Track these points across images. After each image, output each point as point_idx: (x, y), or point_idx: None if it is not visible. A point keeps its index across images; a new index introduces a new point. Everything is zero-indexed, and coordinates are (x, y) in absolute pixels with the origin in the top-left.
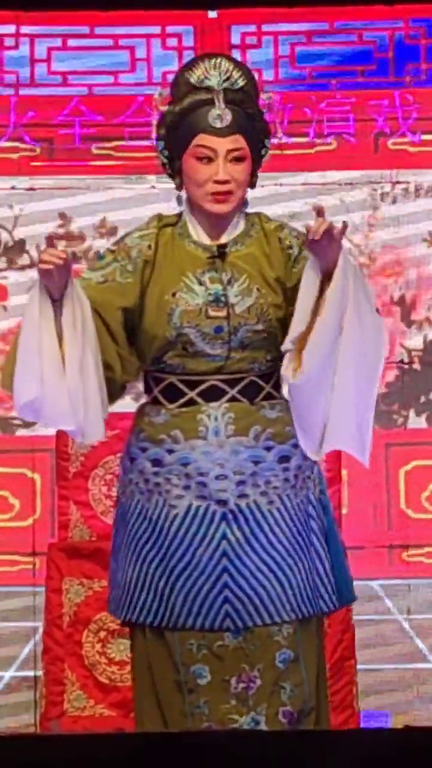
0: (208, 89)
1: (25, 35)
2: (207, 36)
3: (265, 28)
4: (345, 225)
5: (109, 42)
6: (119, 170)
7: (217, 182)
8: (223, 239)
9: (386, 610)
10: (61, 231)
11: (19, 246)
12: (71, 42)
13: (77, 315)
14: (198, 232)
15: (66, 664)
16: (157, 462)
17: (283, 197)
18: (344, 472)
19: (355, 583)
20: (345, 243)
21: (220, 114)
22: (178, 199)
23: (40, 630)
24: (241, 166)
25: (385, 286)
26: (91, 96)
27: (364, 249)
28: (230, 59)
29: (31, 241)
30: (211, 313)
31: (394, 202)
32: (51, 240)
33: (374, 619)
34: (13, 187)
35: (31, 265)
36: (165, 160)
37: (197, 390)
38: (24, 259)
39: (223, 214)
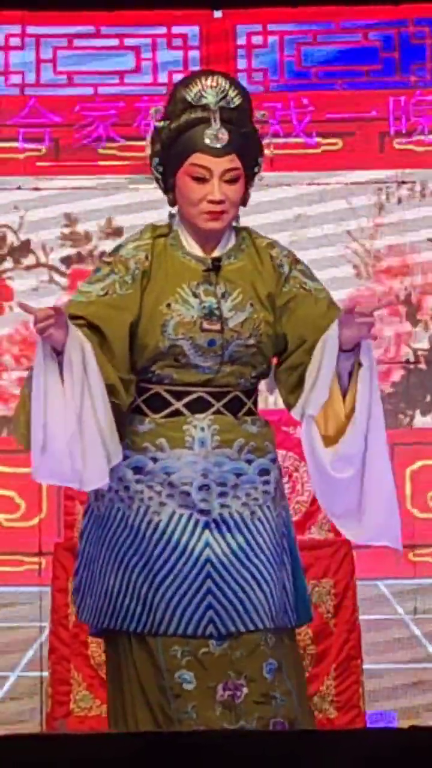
0: (205, 107)
1: (31, 35)
2: (212, 36)
3: (270, 27)
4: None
5: (115, 42)
6: (125, 170)
7: (211, 202)
8: (216, 252)
9: (392, 610)
10: (66, 231)
11: (25, 246)
12: (77, 42)
13: (77, 360)
14: (190, 244)
15: (72, 664)
16: (138, 469)
17: (288, 197)
18: None
19: (361, 583)
20: (349, 250)
21: (216, 134)
22: (171, 216)
23: (47, 630)
24: (235, 186)
25: (390, 286)
26: (97, 96)
27: (369, 249)
28: (227, 77)
29: (36, 241)
30: (206, 326)
31: (399, 201)
32: (25, 307)
33: (380, 619)
34: (18, 188)
35: (37, 266)
36: (158, 176)
37: (184, 401)
38: (29, 260)
39: (215, 231)
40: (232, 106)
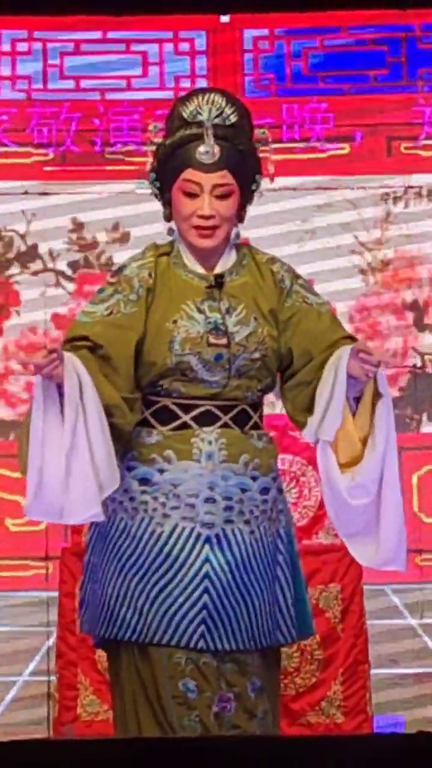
0: (199, 124)
1: (38, 40)
2: (219, 41)
3: (277, 32)
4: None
5: (122, 47)
6: (132, 176)
7: (201, 217)
8: (218, 269)
9: (399, 614)
10: (73, 236)
11: (32, 251)
12: (84, 48)
13: (73, 391)
14: (192, 262)
15: (79, 668)
16: (145, 481)
17: (295, 203)
18: None
19: (368, 587)
20: (357, 256)
21: (208, 150)
22: (169, 231)
23: (54, 635)
24: (226, 202)
25: (397, 290)
26: (104, 100)
27: (376, 253)
28: (225, 95)
29: (43, 246)
30: (212, 340)
31: (406, 206)
32: (23, 360)
33: (387, 623)
34: (25, 193)
35: (44, 270)
36: (156, 191)
37: (191, 414)
38: (36, 265)
39: (208, 249)
40: (228, 123)
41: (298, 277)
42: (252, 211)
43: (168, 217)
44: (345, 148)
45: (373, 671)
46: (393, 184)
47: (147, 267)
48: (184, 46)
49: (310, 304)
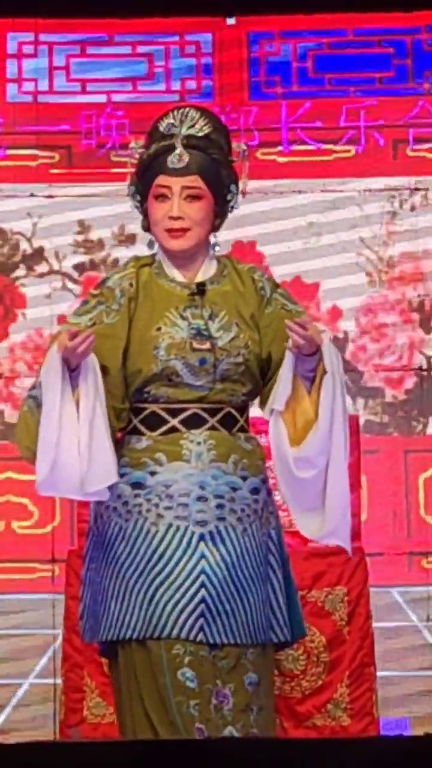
0: (173, 136)
1: (44, 43)
2: (225, 43)
3: (283, 34)
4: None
5: (128, 49)
6: None
7: (170, 218)
8: (199, 278)
9: (406, 617)
10: (79, 238)
11: (38, 253)
12: (90, 50)
13: (92, 383)
14: (173, 272)
15: (85, 671)
16: (138, 485)
17: (301, 204)
18: (363, 479)
19: (374, 590)
20: (362, 257)
21: (178, 156)
22: (150, 243)
23: (60, 637)
24: (196, 204)
25: (403, 293)
26: (110, 102)
27: (382, 256)
28: (201, 110)
29: (49, 248)
30: (196, 345)
31: (412, 209)
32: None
33: (394, 626)
34: (31, 195)
35: (50, 273)
36: (137, 204)
37: (179, 418)
38: (42, 267)
39: (180, 252)
40: (201, 134)
41: (277, 286)
42: (258, 212)
43: (147, 228)
44: (351, 150)
45: (378, 673)
46: (399, 185)
47: (128, 277)
48: (190, 48)
49: (289, 311)
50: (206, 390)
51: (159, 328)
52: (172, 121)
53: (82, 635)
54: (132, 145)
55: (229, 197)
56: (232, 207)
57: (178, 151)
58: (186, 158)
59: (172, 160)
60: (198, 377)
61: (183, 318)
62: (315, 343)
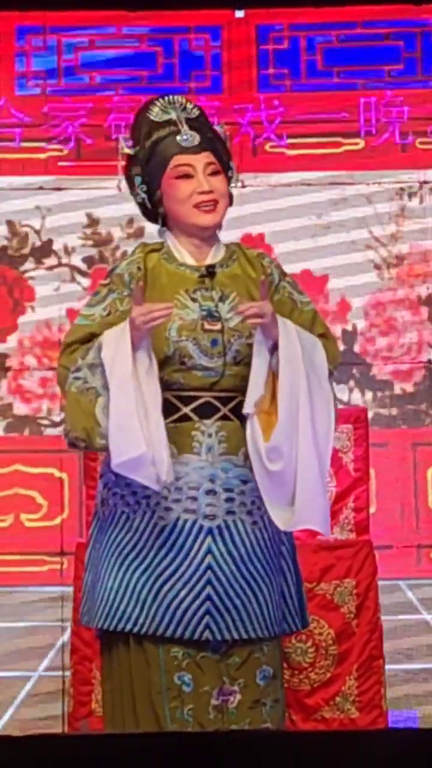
0: (169, 121)
1: (53, 35)
2: (234, 37)
3: (292, 28)
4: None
5: (136, 42)
6: None
7: (202, 193)
8: (208, 261)
9: (414, 609)
10: (88, 232)
11: (47, 247)
12: (98, 43)
13: (152, 358)
14: (182, 255)
15: (94, 663)
16: None
17: (309, 198)
18: (372, 472)
19: (382, 582)
20: (371, 250)
21: (188, 136)
22: (160, 232)
23: (69, 630)
24: (219, 178)
25: (412, 286)
26: (118, 96)
27: (391, 248)
28: (181, 96)
29: (58, 242)
30: (207, 326)
31: (421, 201)
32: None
33: (402, 618)
34: (40, 188)
35: (59, 266)
36: (144, 195)
37: (191, 406)
38: (51, 260)
39: (211, 227)
40: (193, 116)
41: (285, 274)
42: (266, 205)
43: (163, 218)
44: (359, 143)
45: (387, 666)
46: (408, 179)
47: (136, 262)
48: (199, 42)
49: (295, 300)
50: (218, 374)
51: None
52: (161, 107)
53: (81, 617)
54: (121, 141)
55: (229, 173)
56: (232, 184)
57: (186, 130)
58: (196, 136)
59: (185, 139)
60: (210, 358)
61: (193, 300)
62: (270, 329)
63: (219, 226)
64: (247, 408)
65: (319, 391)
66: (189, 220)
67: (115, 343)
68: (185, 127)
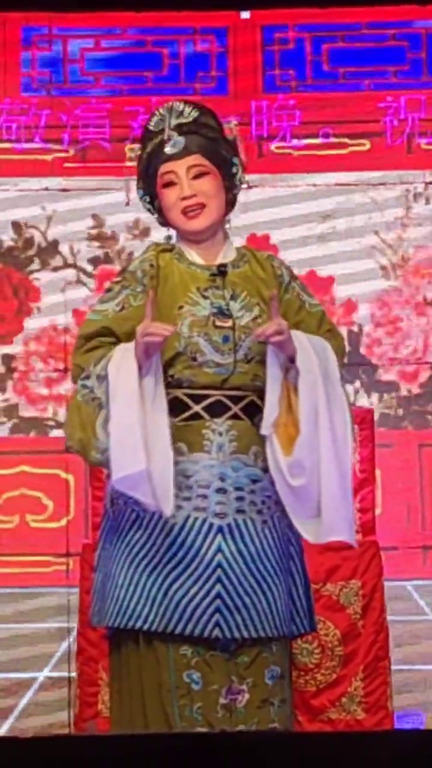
0: (162, 130)
1: (58, 36)
2: (239, 37)
3: (297, 28)
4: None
5: (142, 43)
6: None
7: (184, 198)
8: (219, 261)
9: (420, 610)
10: (93, 232)
11: (52, 247)
12: (104, 43)
13: (159, 380)
14: (193, 256)
15: (100, 664)
16: None
17: (316, 198)
18: (377, 473)
19: (388, 583)
20: (377, 251)
21: (174, 142)
22: (167, 238)
23: (75, 631)
24: (204, 179)
25: (418, 287)
26: (124, 97)
27: (397, 249)
28: (184, 101)
29: (63, 242)
30: (218, 323)
31: (427, 202)
32: (153, 299)
33: (408, 619)
34: (46, 188)
35: (64, 266)
36: (148, 206)
37: (202, 404)
38: (57, 261)
39: (202, 231)
40: (190, 119)
41: (295, 277)
42: (273, 205)
43: (164, 224)
44: (365, 144)
45: (393, 667)
46: (413, 179)
47: (148, 260)
48: (205, 42)
49: (303, 301)
50: (228, 372)
51: (181, 307)
52: (158, 116)
53: (91, 618)
54: (129, 153)
55: (234, 170)
56: (240, 181)
57: (173, 137)
58: (182, 142)
59: (170, 146)
60: (222, 355)
61: (204, 297)
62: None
63: (215, 226)
64: (265, 429)
65: (334, 396)
66: (180, 227)
67: (122, 357)
68: (173, 134)
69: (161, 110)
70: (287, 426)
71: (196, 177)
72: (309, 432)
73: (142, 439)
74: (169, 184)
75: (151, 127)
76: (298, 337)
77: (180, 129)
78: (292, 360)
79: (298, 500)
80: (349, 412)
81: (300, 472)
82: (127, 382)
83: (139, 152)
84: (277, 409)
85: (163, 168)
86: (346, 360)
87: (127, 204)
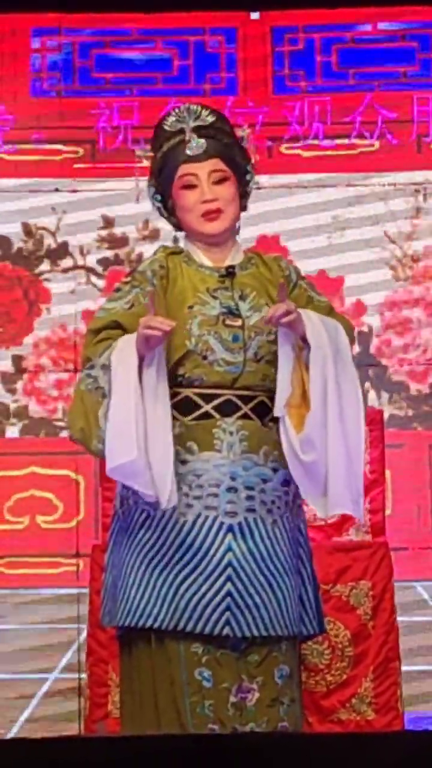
0: (181, 130)
1: (68, 37)
2: (249, 38)
3: (307, 29)
4: (287, 310)
5: (152, 44)
6: None
7: (205, 202)
8: (227, 263)
9: (430, 611)
10: (103, 233)
11: (62, 248)
12: (113, 45)
13: (161, 373)
14: (202, 258)
15: (110, 665)
16: None
17: (324, 199)
18: (387, 473)
19: (398, 584)
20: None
21: (195, 144)
22: (175, 240)
23: (84, 632)
24: (225, 186)
25: (428, 288)
26: (133, 97)
27: (406, 250)
28: (199, 104)
29: (73, 243)
30: (228, 322)
31: None
32: (153, 298)
33: (418, 621)
34: (56, 190)
35: (74, 268)
36: (159, 205)
37: (212, 404)
38: (67, 262)
39: (218, 234)
40: (207, 123)
41: (303, 277)
42: (282, 206)
43: (177, 225)
44: (375, 145)
45: (403, 668)
46: (423, 180)
47: (158, 261)
48: (214, 43)
49: (311, 296)
50: (239, 370)
51: (191, 307)
52: (176, 117)
53: (102, 618)
54: (138, 153)
55: (248, 177)
56: (251, 188)
57: (193, 138)
58: (203, 145)
59: (191, 148)
60: (232, 354)
61: (214, 297)
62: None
63: (229, 230)
64: (278, 411)
65: (344, 373)
66: (197, 229)
67: (123, 347)
68: (193, 136)
69: (178, 111)
70: (300, 408)
71: (217, 182)
72: (319, 406)
73: (137, 429)
74: (188, 186)
75: (167, 127)
76: (309, 315)
77: (199, 132)
78: (304, 340)
79: (308, 475)
80: (361, 392)
81: (310, 448)
82: (126, 372)
83: (150, 152)
84: (289, 389)
85: (183, 169)
86: (355, 361)
87: (137, 201)
